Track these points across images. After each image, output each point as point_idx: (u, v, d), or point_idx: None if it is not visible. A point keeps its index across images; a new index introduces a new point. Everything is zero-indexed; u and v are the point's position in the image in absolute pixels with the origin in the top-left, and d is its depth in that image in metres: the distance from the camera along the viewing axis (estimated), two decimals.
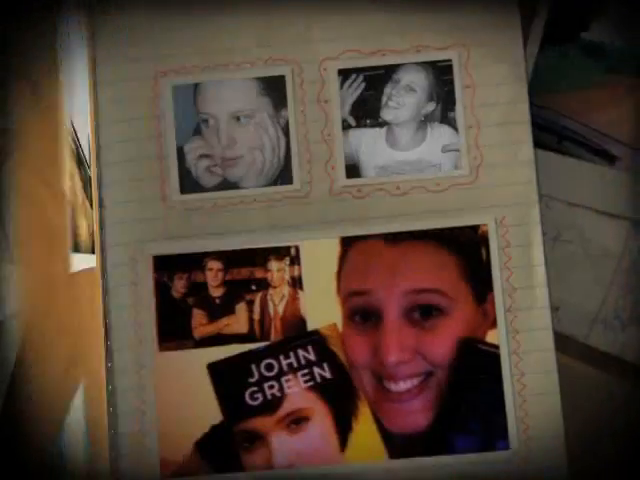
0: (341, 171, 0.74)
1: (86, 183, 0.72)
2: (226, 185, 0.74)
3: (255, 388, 0.73)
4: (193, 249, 0.74)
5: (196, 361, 0.73)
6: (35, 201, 0.61)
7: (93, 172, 0.74)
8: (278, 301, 0.73)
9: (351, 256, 0.73)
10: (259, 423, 0.72)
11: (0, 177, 0.55)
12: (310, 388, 0.73)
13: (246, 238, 0.74)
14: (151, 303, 0.74)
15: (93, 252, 0.72)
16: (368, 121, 0.74)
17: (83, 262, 0.70)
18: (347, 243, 0.73)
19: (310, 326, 0.73)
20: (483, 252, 0.73)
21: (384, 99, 0.74)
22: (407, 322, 0.72)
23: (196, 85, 0.74)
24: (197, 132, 0.74)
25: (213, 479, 0.73)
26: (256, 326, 0.73)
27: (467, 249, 0.73)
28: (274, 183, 0.74)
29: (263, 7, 0.74)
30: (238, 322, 0.73)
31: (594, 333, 0.73)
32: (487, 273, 0.73)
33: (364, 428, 0.72)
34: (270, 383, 0.73)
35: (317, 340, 0.73)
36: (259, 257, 0.74)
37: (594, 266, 0.73)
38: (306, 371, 0.73)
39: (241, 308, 0.73)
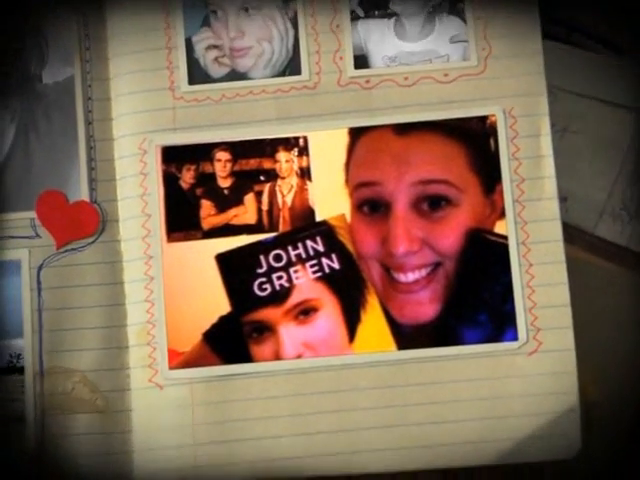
0: (349, 62, 0.74)
1: None
2: (234, 76, 0.74)
3: (263, 279, 0.73)
4: (201, 140, 0.74)
5: (204, 252, 0.73)
6: None
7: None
8: (286, 192, 0.73)
9: (359, 147, 0.74)
10: (267, 314, 0.73)
11: None
12: (318, 279, 0.73)
13: (254, 129, 0.74)
14: (159, 194, 0.74)
15: None
16: (377, 12, 0.74)
17: None
18: (355, 134, 0.74)
19: (318, 217, 0.73)
20: (491, 143, 0.73)
21: None
22: (415, 213, 0.72)
23: None
24: (206, 23, 0.75)
25: (221, 370, 0.72)
26: (264, 217, 0.73)
27: (475, 140, 0.73)
28: (282, 74, 0.74)
29: None
30: (246, 213, 0.73)
31: (602, 224, 0.73)
32: (495, 164, 0.73)
33: (372, 319, 0.73)
34: (279, 274, 0.73)
35: (325, 231, 0.73)
36: (267, 148, 0.74)
37: (602, 157, 0.74)
38: (314, 262, 0.73)
39: (250, 199, 0.73)
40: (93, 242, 0.74)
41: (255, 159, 0.74)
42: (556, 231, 0.73)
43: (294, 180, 0.73)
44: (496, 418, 0.72)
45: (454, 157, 0.73)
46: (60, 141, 0.74)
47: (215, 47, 0.75)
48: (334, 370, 0.72)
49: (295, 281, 0.73)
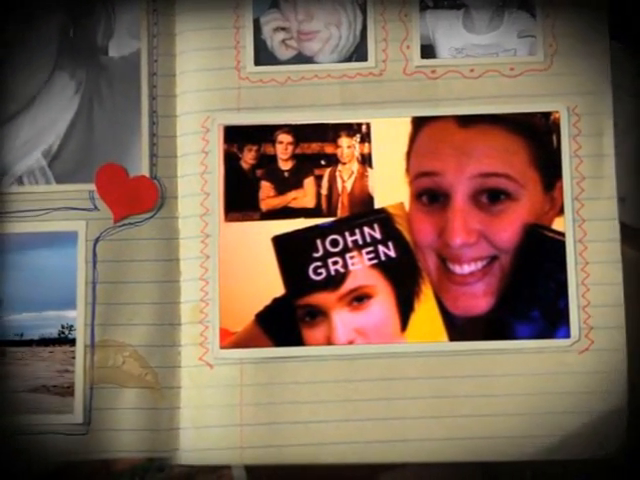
0: (416, 51, 0.75)
1: None
2: (300, 59, 0.75)
3: (319, 263, 0.73)
4: (264, 121, 0.75)
5: (261, 233, 0.74)
6: None
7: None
8: (347, 177, 0.74)
9: (422, 137, 0.74)
10: (321, 298, 0.73)
11: None
12: (374, 266, 0.73)
13: (318, 113, 0.75)
14: (219, 173, 0.74)
15: None
16: (446, 3, 0.75)
17: None
18: (418, 123, 0.74)
19: (377, 204, 0.74)
20: (554, 139, 0.74)
21: None
22: (474, 205, 0.73)
23: None
24: (274, 5, 0.75)
25: (272, 352, 0.73)
26: (323, 201, 0.74)
27: (538, 136, 0.74)
28: (349, 59, 0.75)
29: None
30: (305, 196, 0.74)
31: None
32: (556, 161, 0.74)
33: (426, 309, 0.73)
34: (334, 259, 0.73)
35: (383, 218, 0.74)
36: (330, 132, 0.75)
37: None
38: (371, 249, 0.73)
39: (309, 182, 0.74)
40: (151, 218, 0.74)
41: (317, 143, 0.74)
42: (613, 230, 0.73)
43: (355, 166, 0.74)
44: (543, 414, 0.73)
45: (516, 151, 0.74)
46: (123, 115, 0.75)
47: (283, 29, 0.75)
48: (385, 358, 0.73)
49: (350, 267, 0.73)
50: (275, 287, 0.74)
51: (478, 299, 0.73)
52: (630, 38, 0.76)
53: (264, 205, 0.74)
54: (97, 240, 0.74)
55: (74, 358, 0.73)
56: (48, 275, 0.74)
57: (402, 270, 0.74)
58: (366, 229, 0.74)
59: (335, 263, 0.74)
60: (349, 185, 0.74)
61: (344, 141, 0.74)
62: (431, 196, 0.74)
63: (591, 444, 0.72)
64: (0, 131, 0.75)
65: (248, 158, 0.75)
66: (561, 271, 0.73)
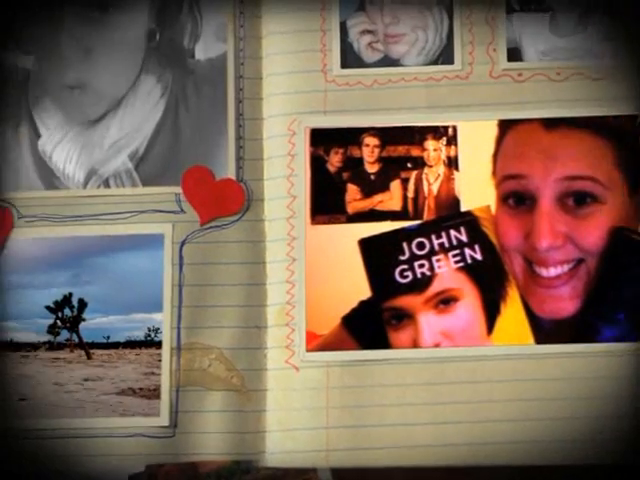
0: (502, 54, 0.75)
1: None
2: (387, 62, 0.76)
3: (405, 266, 0.74)
4: (351, 124, 0.75)
5: (348, 236, 0.74)
6: None
7: None
8: (433, 180, 0.74)
9: (508, 139, 0.75)
10: (408, 301, 0.74)
11: None
12: (460, 269, 0.74)
13: (404, 116, 0.75)
14: (306, 176, 0.75)
15: None
16: (533, 6, 0.75)
17: None
18: (505, 126, 0.75)
19: (464, 207, 0.74)
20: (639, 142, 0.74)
21: None
22: (560, 208, 0.73)
23: None
24: (361, 8, 0.76)
25: (359, 355, 0.73)
26: (410, 204, 0.74)
27: (624, 138, 0.74)
28: (435, 62, 0.75)
29: None
30: (392, 199, 0.74)
31: None
32: None
33: (512, 312, 0.73)
34: (421, 262, 0.74)
35: (470, 221, 0.74)
36: (416, 135, 0.75)
37: None
38: (457, 251, 0.74)
39: (396, 185, 0.74)
40: (237, 220, 0.75)
41: (403, 146, 0.75)
42: None
43: (441, 169, 0.74)
44: (632, 417, 0.72)
45: (602, 154, 0.74)
46: (209, 118, 0.76)
47: (369, 32, 0.76)
48: (471, 361, 0.73)
49: (437, 270, 0.74)
50: (361, 290, 0.74)
51: (564, 302, 0.73)
52: None
53: (350, 208, 0.75)
54: (183, 243, 0.74)
55: (160, 361, 0.73)
56: (134, 278, 0.74)
57: (488, 273, 0.74)
58: (452, 232, 0.74)
59: (421, 266, 0.74)
60: (435, 188, 0.74)
61: (430, 144, 0.75)
62: (517, 199, 0.74)
63: None
64: (88, 133, 0.76)
65: (334, 161, 0.75)
66: None
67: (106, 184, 0.75)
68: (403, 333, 0.74)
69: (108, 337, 0.74)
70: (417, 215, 0.74)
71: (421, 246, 0.74)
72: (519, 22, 0.75)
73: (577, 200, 0.74)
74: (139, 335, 0.74)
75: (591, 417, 0.72)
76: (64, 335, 0.74)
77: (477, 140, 0.75)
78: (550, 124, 0.74)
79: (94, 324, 0.74)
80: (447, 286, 0.74)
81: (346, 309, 0.74)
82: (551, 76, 0.75)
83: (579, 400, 0.73)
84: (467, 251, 0.74)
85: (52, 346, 0.74)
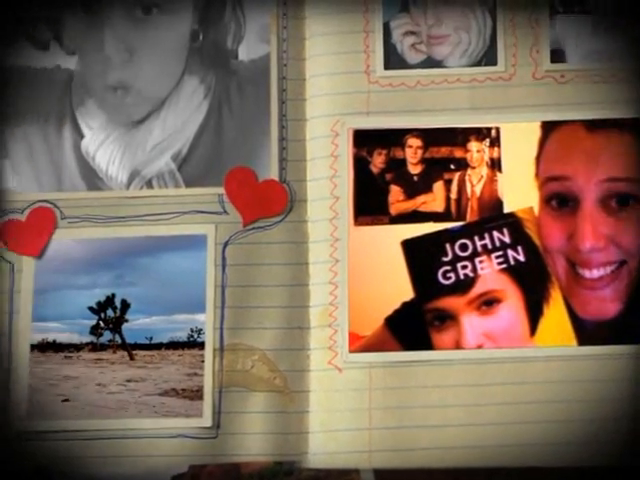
0: (546, 56, 0.75)
1: None
2: (430, 63, 0.76)
3: (448, 267, 0.74)
4: (394, 125, 0.75)
5: (390, 237, 0.75)
6: None
7: None
8: (476, 182, 0.74)
9: (551, 141, 0.75)
10: (451, 302, 0.74)
11: None
12: (503, 270, 0.74)
13: (447, 117, 0.75)
14: (349, 177, 0.75)
15: None
16: (576, 8, 0.75)
17: None
18: (548, 128, 0.75)
19: (507, 208, 0.74)
20: None
21: None
22: (603, 210, 0.74)
23: None
24: (404, 9, 0.76)
25: (401, 356, 0.73)
26: (452, 205, 0.74)
27: None
28: (478, 64, 0.75)
29: None
30: (435, 200, 0.75)
31: None
32: None
33: (555, 313, 0.74)
34: (463, 263, 0.74)
35: (513, 223, 0.74)
36: (459, 137, 0.75)
37: None
38: (500, 253, 0.74)
39: (439, 186, 0.74)
40: (280, 221, 0.75)
41: (446, 147, 0.75)
42: None
43: (484, 170, 0.74)
44: None
45: None
46: (252, 119, 0.76)
47: (412, 33, 0.76)
48: (514, 362, 0.73)
49: (480, 271, 0.74)
50: (404, 291, 0.74)
51: (607, 303, 0.74)
52: None
53: (393, 209, 0.75)
54: (226, 243, 0.74)
55: (203, 361, 0.73)
56: (177, 278, 0.74)
57: (531, 274, 0.74)
58: (495, 233, 0.74)
59: (464, 267, 0.74)
60: (478, 189, 0.74)
61: (473, 145, 0.75)
62: (560, 200, 0.74)
63: None
64: (131, 134, 0.76)
65: (377, 162, 0.75)
66: None
67: (149, 185, 0.75)
68: (446, 334, 0.74)
69: (151, 338, 0.74)
70: (460, 216, 0.75)
71: (464, 247, 0.74)
72: (562, 24, 0.75)
73: (619, 202, 0.74)
74: (182, 336, 0.74)
75: (633, 418, 0.73)
76: (107, 336, 0.74)
77: (520, 142, 0.75)
78: (592, 126, 0.75)
79: (137, 325, 0.74)
80: (490, 287, 0.74)
81: (389, 310, 0.74)
82: (593, 78, 0.75)
83: (622, 401, 0.73)
84: (510, 252, 0.74)
85: (95, 347, 0.74)
